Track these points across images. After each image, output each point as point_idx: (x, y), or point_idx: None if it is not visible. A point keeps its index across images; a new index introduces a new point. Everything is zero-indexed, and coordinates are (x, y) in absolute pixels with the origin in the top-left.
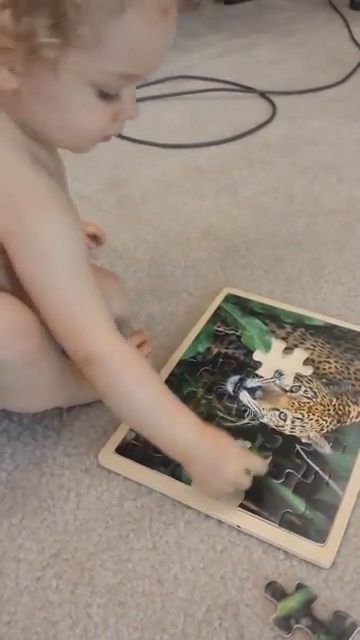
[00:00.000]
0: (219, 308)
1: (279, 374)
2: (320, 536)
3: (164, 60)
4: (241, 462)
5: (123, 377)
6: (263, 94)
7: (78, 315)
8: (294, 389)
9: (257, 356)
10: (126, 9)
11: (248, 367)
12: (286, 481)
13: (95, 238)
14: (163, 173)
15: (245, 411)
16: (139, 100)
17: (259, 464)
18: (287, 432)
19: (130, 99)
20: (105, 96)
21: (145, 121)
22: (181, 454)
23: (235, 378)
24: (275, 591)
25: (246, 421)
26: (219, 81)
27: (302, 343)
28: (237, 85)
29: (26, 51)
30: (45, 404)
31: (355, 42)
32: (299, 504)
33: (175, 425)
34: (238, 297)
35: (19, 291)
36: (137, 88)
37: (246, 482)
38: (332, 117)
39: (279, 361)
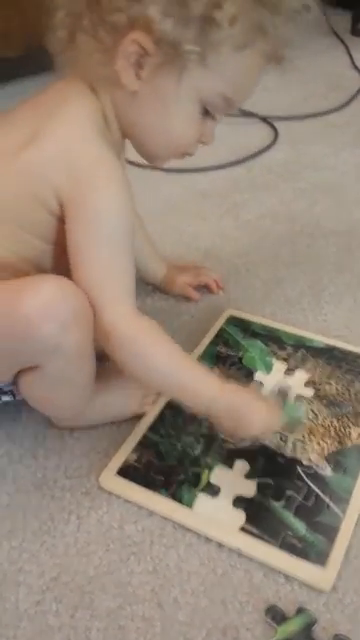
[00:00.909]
0: (221, 330)
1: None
2: (320, 559)
3: None
4: (261, 415)
5: (146, 348)
6: (265, 119)
7: (108, 288)
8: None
9: (258, 377)
10: (248, 47)
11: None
12: (287, 504)
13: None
14: (166, 196)
15: None
16: None
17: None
18: (288, 454)
19: (213, 127)
20: (205, 115)
21: None
22: (205, 408)
23: None
24: (275, 615)
25: (247, 442)
26: None
27: (303, 364)
28: (239, 110)
29: (164, 57)
30: (73, 407)
31: (356, 68)
32: (300, 527)
33: (197, 384)
34: (240, 319)
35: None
36: None
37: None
38: (332, 142)
39: (280, 382)
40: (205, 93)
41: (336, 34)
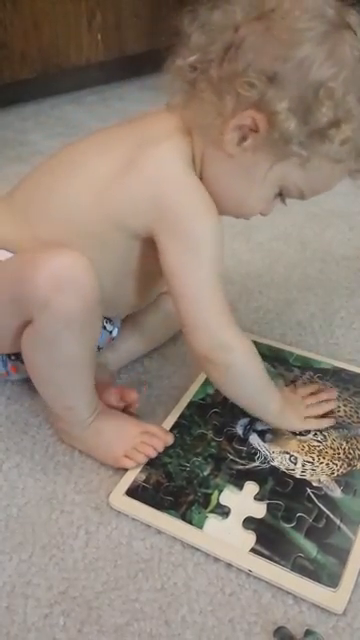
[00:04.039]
0: None
1: None
2: (332, 581)
3: None
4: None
5: (244, 369)
6: None
7: (213, 310)
8: (304, 432)
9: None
10: (342, 163)
11: None
12: (297, 525)
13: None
14: None
15: (255, 454)
16: None
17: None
18: (298, 476)
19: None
20: (279, 196)
21: None
22: (273, 419)
23: (245, 420)
24: (284, 636)
25: (256, 464)
26: None
27: (310, 386)
28: None
29: (271, 142)
30: (66, 395)
31: None
32: (311, 548)
33: (271, 404)
34: None
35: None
36: None
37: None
38: None
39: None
40: (288, 183)
41: None
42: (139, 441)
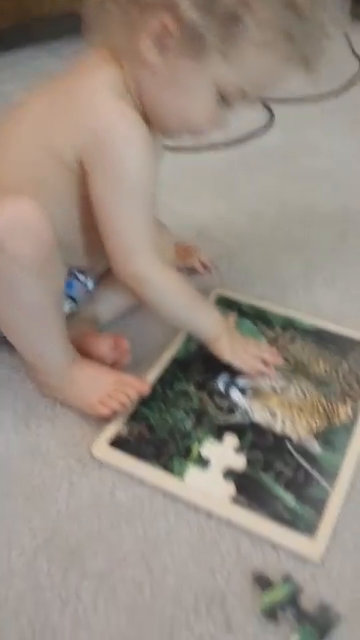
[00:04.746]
0: None
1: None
2: (309, 529)
3: None
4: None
5: (164, 292)
6: (262, 102)
7: (133, 237)
8: (284, 389)
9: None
10: (269, 48)
11: None
12: (276, 477)
13: (205, 266)
14: (160, 175)
15: (236, 408)
16: None
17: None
18: (278, 430)
19: (228, 113)
20: (221, 101)
21: None
22: (208, 341)
23: (226, 376)
24: (262, 582)
25: (237, 418)
26: None
27: (292, 344)
28: None
29: (187, 43)
30: (36, 343)
31: (355, 54)
32: (289, 499)
33: (204, 322)
34: (228, 299)
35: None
36: None
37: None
38: (329, 127)
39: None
40: (222, 83)
41: None
42: (113, 389)
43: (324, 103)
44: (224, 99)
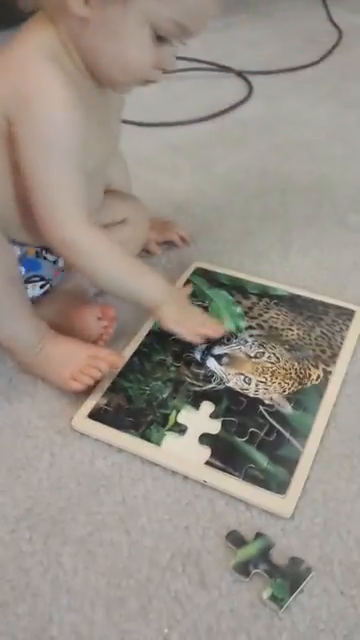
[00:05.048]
0: (188, 281)
1: (244, 340)
2: (281, 488)
3: None
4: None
5: (97, 258)
6: (240, 73)
7: (60, 202)
8: (258, 355)
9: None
10: None
11: None
12: (250, 439)
13: (183, 239)
14: (138, 150)
15: (212, 376)
16: None
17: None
18: (251, 395)
19: (172, 53)
20: (158, 40)
21: None
22: (151, 309)
23: (203, 346)
24: (235, 539)
25: (212, 385)
26: (196, 60)
27: (266, 312)
28: (214, 65)
29: None
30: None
31: (333, 23)
32: (262, 459)
33: (145, 290)
34: (206, 270)
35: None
36: None
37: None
38: (307, 97)
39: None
40: (153, 18)
41: None
42: (86, 364)
43: (302, 73)
44: (162, 38)
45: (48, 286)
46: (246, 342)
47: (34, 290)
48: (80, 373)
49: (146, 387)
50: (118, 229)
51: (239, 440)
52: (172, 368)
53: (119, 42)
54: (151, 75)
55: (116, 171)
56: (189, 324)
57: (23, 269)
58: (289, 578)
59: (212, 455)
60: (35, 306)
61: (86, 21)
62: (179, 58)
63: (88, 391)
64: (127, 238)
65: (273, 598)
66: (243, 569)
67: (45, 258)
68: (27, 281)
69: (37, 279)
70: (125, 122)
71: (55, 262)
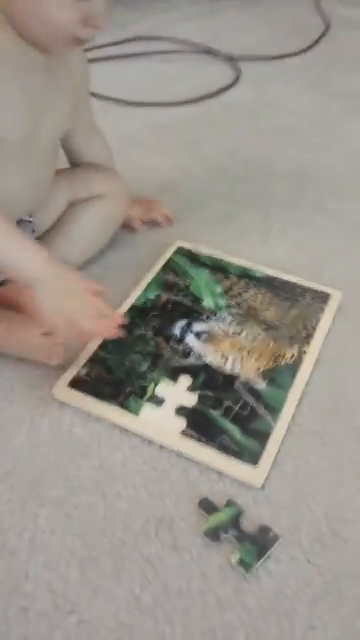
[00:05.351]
0: (170, 260)
1: (223, 318)
2: (253, 459)
3: (131, 21)
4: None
5: None
6: (228, 58)
7: None
8: (236, 333)
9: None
10: None
11: (195, 313)
12: (224, 412)
13: (167, 219)
14: (126, 130)
15: (190, 352)
16: (104, 59)
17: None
18: (227, 371)
19: (100, 7)
20: None
21: (110, 78)
22: (26, 286)
23: (182, 322)
24: (207, 506)
25: (191, 360)
26: (185, 43)
27: (246, 292)
28: (203, 48)
29: None
30: None
31: (320, 12)
32: (235, 432)
33: (19, 261)
34: (188, 250)
35: None
36: (103, 47)
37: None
38: (293, 84)
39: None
40: None
41: None
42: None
43: (289, 61)
44: None
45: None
46: (225, 320)
47: None
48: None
49: (126, 359)
50: (95, 203)
51: (214, 413)
52: (152, 342)
53: (39, 2)
54: (79, 32)
55: (95, 145)
56: (72, 314)
57: None
58: (257, 544)
59: (187, 426)
60: (12, 284)
61: None
62: (168, 40)
63: (69, 361)
64: (105, 212)
65: (241, 562)
66: (214, 534)
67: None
68: None
69: None
70: (112, 100)
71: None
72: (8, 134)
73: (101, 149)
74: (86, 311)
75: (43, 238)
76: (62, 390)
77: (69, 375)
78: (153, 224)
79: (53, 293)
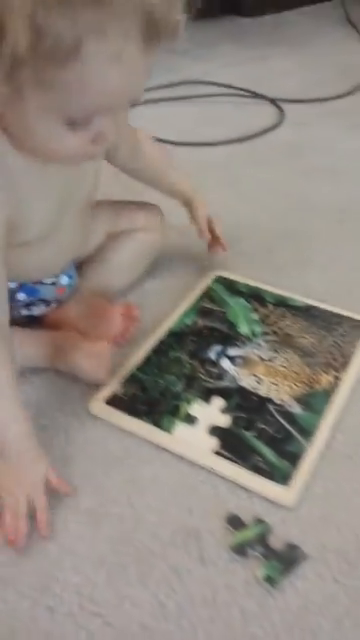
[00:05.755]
0: (208, 288)
1: (258, 344)
2: (285, 480)
3: (182, 66)
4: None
5: None
6: (273, 101)
7: None
8: (271, 358)
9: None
10: (70, 61)
11: (230, 338)
12: (258, 435)
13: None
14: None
15: (225, 375)
16: (155, 101)
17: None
18: (262, 394)
19: (105, 126)
20: (74, 124)
21: (160, 120)
22: None
23: (218, 347)
24: (235, 522)
25: (225, 383)
26: (232, 87)
27: (282, 320)
28: (249, 91)
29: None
30: None
31: None
32: (268, 454)
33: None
34: (226, 279)
35: None
36: (156, 90)
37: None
38: (336, 126)
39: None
40: (54, 110)
41: (351, 23)
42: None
43: (333, 103)
44: (74, 122)
45: (53, 305)
46: (260, 346)
47: (39, 309)
48: None
49: (161, 380)
50: (134, 235)
51: (247, 434)
52: (187, 365)
53: (31, 133)
54: (90, 151)
55: (141, 158)
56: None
57: (23, 294)
58: (284, 561)
59: (220, 445)
60: (60, 307)
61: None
62: (216, 84)
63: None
64: (143, 244)
65: (267, 578)
66: (240, 550)
67: (42, 283)
68: (30, 304)
69: (39, 302)
70: (161, 141)
71: (54, 284)
72: (34, 236)
73: (148, 160)
74: (19, 503)
75: (82, 267)
76: (99, 406)
77: (106, 392)
78: (191, 255)
79: (7, 472)
